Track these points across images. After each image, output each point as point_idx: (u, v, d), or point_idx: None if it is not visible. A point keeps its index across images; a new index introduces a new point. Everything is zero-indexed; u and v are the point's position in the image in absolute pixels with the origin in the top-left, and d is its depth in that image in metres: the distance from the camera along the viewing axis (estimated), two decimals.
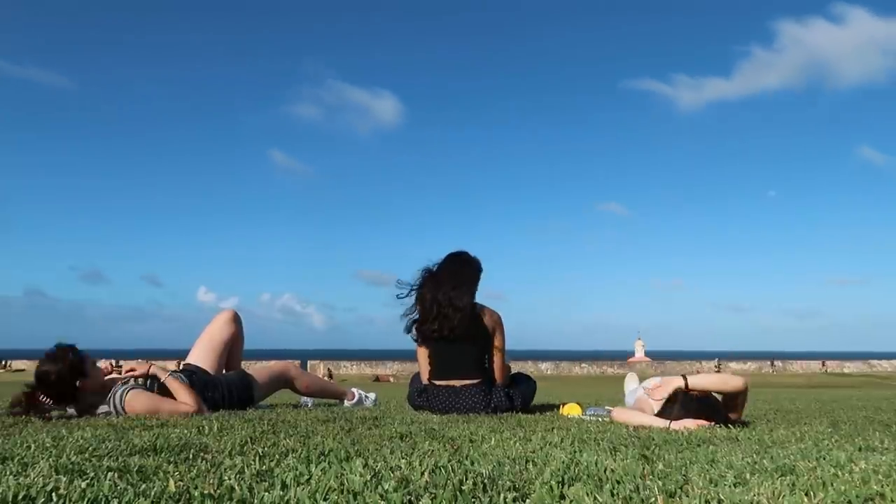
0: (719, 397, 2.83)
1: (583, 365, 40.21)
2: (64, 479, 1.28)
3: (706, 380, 2.84)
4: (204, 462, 1.53)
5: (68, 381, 2.86)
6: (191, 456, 1.63)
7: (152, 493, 1.17)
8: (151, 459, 1.56)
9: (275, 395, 3.91)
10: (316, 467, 1.44)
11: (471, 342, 3.29)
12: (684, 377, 2.81)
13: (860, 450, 1.90)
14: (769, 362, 40.11)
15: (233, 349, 3.65)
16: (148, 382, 3.05)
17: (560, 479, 1.31)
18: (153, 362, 3.21)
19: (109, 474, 1.33)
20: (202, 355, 3.51)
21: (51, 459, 1.54)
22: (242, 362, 3.73)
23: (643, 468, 1.44)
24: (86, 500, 1.13)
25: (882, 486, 1.25)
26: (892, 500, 1.17)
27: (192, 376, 3.28)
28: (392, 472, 1.37)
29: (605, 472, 1.40)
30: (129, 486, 1.22)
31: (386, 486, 1.23)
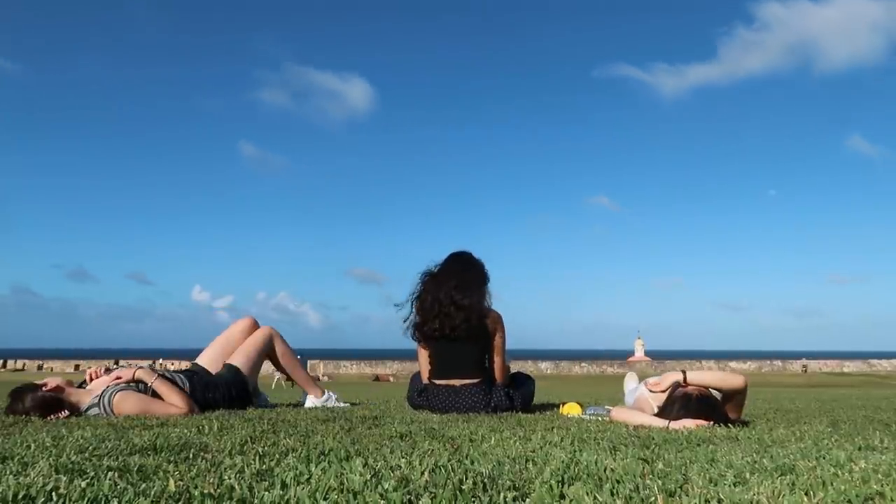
0: (719, 395, 2.82)
1: (582, 364, 40.26)
2: (64, 478, 1.28)
3: (705, 375, 2.81)
4: (204, 461, 1.53)
5: (48, 412, 2.76)
6: (191, 455, 1.63)
7: (152, 493, 1.17)
8: (151, 459, 1.56)
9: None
10: (316, 467, 1.44)
11: (472, 342, 3.29)
12: (683, 371, 2.81)
13: (860, 449, 1.90)
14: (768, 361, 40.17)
15: (268, 356, 3.66)
16: (139, 385, 3.03)
17: (560, 479, 1.31)
18: (140, 366, 3.20)
19: (109, 474, 1.33)
20: (211, 358, 3.51)
21: (51, 459, 1.54)
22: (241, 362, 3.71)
23: (643, 467, 1.44)
24: (86, 499, 1.13)
25: (882, 486, 1.25)
26: (892, 500, 1.17)
27: (194, 377, 3.27)
28: (392, 472, 1.37)
29: (604, 471, 1.40)
30: (129, 486, 1.22)
31: (386, 486, 1.23)
